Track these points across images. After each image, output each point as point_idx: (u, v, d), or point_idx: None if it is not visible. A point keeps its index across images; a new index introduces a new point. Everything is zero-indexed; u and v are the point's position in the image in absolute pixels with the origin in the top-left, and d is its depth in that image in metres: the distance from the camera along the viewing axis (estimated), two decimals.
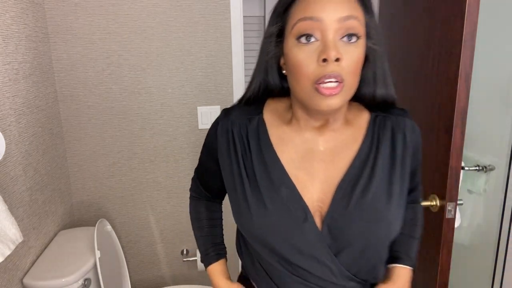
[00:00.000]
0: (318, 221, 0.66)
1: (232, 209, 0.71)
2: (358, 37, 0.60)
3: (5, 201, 1.16)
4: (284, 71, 0.67)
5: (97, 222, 1.47)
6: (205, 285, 1.91)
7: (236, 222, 0.71)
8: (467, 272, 1.60)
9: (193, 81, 1.70)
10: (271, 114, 0.72)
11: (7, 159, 1.19)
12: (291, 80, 0.63)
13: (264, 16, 2.78)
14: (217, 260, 0.85)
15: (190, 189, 0.92)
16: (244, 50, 1.93)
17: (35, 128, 1.40)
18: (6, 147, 1.18)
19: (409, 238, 0.81)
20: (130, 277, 1.83)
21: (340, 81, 0.58)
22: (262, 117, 0.71)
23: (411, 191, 0.80)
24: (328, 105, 0.59)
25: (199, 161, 0.85)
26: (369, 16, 0.63)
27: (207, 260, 0.85)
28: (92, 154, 1.71)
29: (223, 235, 0.90)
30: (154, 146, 1.75)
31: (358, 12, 0.60)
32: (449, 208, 1.15)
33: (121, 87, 1.66)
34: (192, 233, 1.88)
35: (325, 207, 0.66)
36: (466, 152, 1.45)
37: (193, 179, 0.91)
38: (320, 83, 0.58)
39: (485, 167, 1.43)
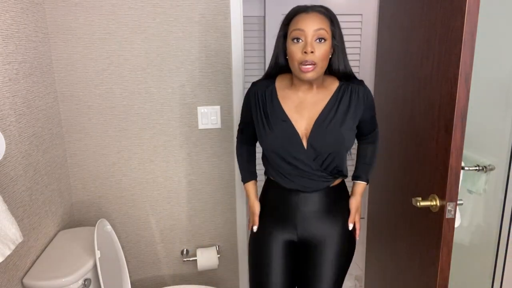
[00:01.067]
0: (305, 141, 1.17)
1: (257, 135, 1.24)
2: (325, 40, 1.10)
3: (5, 201, 1.16)
4: (287, 57, 1.16)
5: (97, 222, 1.47)
6: (205, 285, 1.91)
7: (259, 142, 1.25)
8: (467, 272, 1.60)
9: (193, 81, 1.70)
10: (280, 83, 1.24)
11: (7, 159, 1.19)
12: (289, 62, 1.14)
13: (264, 16, 2.78)
14: (250, 180, 1.37)
15: (237, 137, 1.43)
16: (244, 50, 1.93)
17: (35, 128, 1.40)
18: (6, 147, 1.18)
19: (367, 165, 1.35)
20: (130, 277, 1.83)
21: (313, 64, 1.09)
22: (274, 85, 1.24)
23: (369, 133, 1.32)
24: (307, 77, 1.11)
25: (241, 117, 1.36)
26: (334, 26, 1.13)
27: (245, 180, 1.38)
28: (92, 154, 1.71)
29: (255, 166, 1.41)
30: (154, 146, 1.75)
31: (326, 25, 1.10)
32: (449, 208, 1.15)
33: (121, 87, 1.66)
34: (191, 233, 1.89)
35: (308, 132, 1.17)
36: (466, 152, 1.45)
37: (238, 130, 1.41)
38: (302, 65, 1.09)
39: (485, 167, 1.43)
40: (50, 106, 1.54)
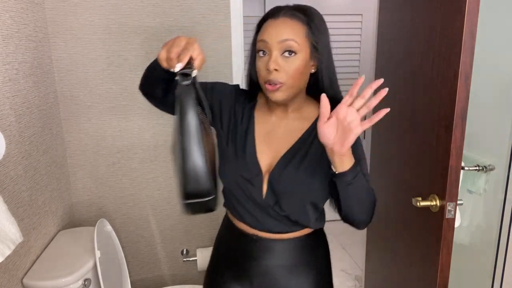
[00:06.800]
0: (266, 177, 0.94)
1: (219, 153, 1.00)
2: (295, 53, 0.85)
3: (5, 201, 1.16)
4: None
5: (97, 222, 1.47)
6: None
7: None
8: (467, 272, 1.60)
9: None
10: (260, 101, 1.01)
11: (7, 159, 1.19)
12: (258, 79, 0.92)
13: None
14: None
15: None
16: (244, 50, 1.93)
17: (35, 128, 1.40)
18: (6, 147, 1.18)
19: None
20: (130, 277, 1.83)
21: (278, 84, 0.85)
22: (254, 104, 1.01)
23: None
24: (274, 99, 0.88)
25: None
26: (314, 34, 0.87)
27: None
28: (92, 154, 1.71)
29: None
30: (154, 146, 1.75)
31: (298, 34, 0.85)
32: (449, 208, 1.15)
33: (121, 87, 1.66)
34: (191, 233, 1.88)
35: (271, 168, 0.94)
36: (466, 152, 1.45)
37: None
38: (266, 84, 0.87)
39: (485, 167, 1.43)
40: (50, 106, 1.54)
